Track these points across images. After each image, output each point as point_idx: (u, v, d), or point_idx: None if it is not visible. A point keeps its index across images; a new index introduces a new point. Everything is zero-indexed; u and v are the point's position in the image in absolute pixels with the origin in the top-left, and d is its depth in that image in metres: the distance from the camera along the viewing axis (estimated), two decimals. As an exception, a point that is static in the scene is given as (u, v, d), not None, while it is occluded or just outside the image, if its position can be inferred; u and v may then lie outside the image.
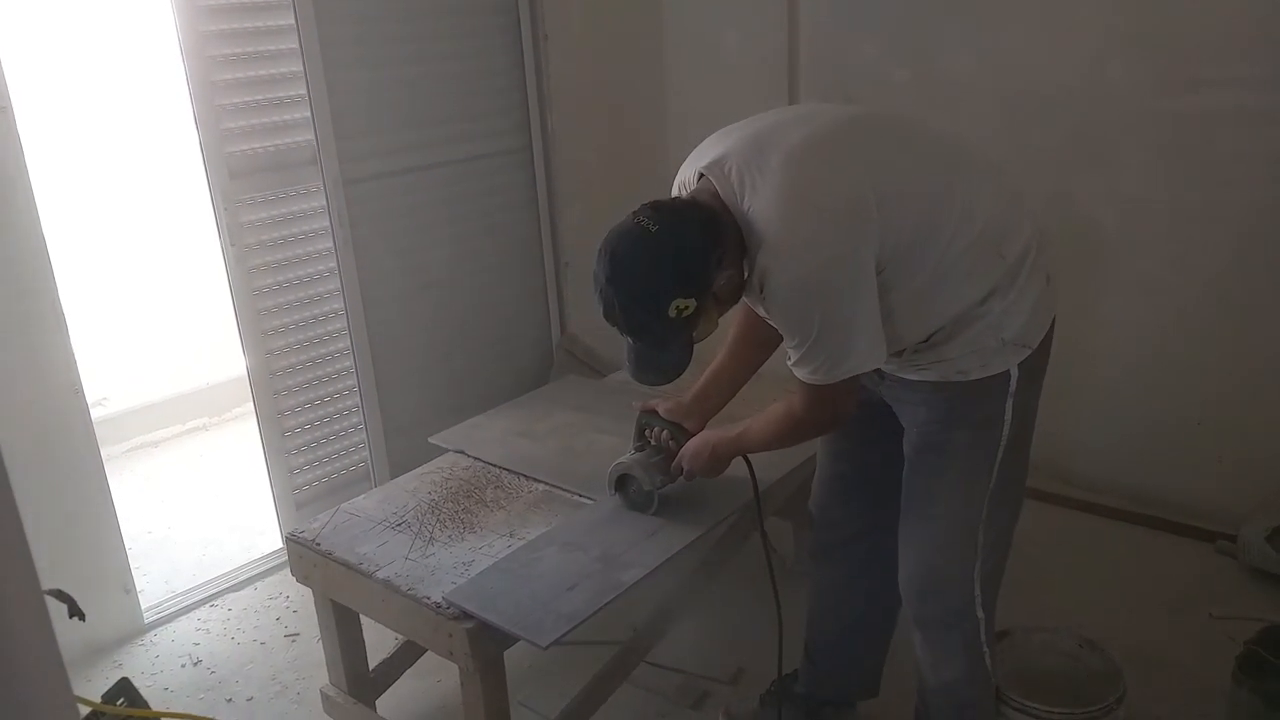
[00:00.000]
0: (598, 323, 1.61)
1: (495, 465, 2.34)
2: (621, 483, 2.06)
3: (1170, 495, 2.91)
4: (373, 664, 2.28)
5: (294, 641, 2.68)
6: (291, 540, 2.11)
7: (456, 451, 2.43)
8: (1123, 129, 2.78)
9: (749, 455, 1.91)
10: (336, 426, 3.08)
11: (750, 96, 3.39)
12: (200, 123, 2.68)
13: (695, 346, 1.63)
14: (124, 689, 1.93)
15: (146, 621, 2.77)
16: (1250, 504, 2.70)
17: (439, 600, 1.80)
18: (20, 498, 0.69)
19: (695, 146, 1.69)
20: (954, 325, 1.62)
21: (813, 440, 1.92)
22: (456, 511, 2.15)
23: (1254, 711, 1.94)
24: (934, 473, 1.74)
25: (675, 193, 1.69)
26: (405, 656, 2.34)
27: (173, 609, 2.84)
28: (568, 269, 3.59)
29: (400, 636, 2.26)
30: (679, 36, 3.60)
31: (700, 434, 1.96)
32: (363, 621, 2.17)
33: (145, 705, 1.93)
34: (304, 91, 2.79)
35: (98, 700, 1.82)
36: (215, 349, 4.06)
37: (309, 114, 2.81)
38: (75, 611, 1.58)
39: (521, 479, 2.28)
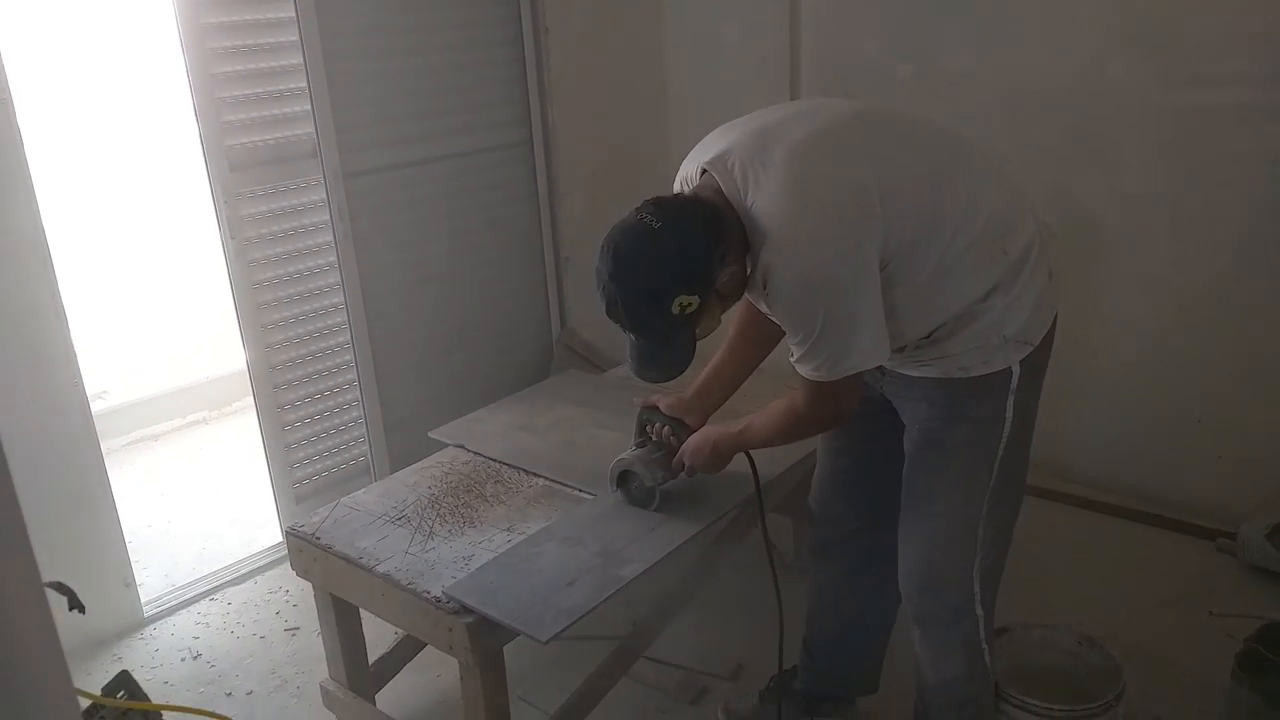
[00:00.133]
0: (598, 317, 1.61)
1: (495, 460, 2.34)
2: (623, 479, 2.05)
3: (1170, 493, 2.91)
4: (372, 658, 2.27)
5: (294, 635, 2.68)
6: (291, 534, 2.11)
7: (456, 446, 2.43)
8: (1123, 126, 2.77)
9: (751, 451, 1.91)
10: (336, 420, 3.08)
11: (751, 91, 3.38)
12: (200, 115, 2.67)
13: (698, 343, 1.63)
14: (124, 682, 1.92)
15: (146, 615, 2.77)
16: (1250, 502, 2.70)
17: (439, 595, 1.80)
18: (20, 490, 0.69)
19: (696, 141, 1.69)
20: (956, 322, 1.62)
21: (813, 436, 1.92)
22: (456, 506, 2.15)
23: (1253, 709, 1.94)
24: (934, 469, 1.74)
25: (678, 188, 1.68)
26: (405, 651, 2.34)
27: (172, 602, 2.84)
28: (568, 263, 3.59)
29: (400, 631, 2.26)
30: (680, 31, 3.59)
31: (701, 430, 1.96)
32: (362, 616, 2.17)
33: (145, 698, 1.92)
34: (304, 84, 2.79)
35: (97, 693, 1.82)
36: (215, 342, 4.06)
37: (309, 107, 2.80)
38: (75, 604, 1.58)
39: (521, 474, 2.27)
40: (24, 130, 2.37)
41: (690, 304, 1.52)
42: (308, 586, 2.28)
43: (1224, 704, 2.05)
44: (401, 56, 3.01)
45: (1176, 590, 2.60)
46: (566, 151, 3.47)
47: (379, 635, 2.30)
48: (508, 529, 2.04)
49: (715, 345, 1.91)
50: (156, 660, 2.61)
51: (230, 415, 4.25)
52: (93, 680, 2.43)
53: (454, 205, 3.25)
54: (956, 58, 3.01)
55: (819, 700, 2.16)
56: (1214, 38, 2.58)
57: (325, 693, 2.26)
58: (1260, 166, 2.59)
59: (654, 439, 2.03)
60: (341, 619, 2.16)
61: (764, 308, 1.63)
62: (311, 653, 2.53)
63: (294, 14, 2.73)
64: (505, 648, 1.83)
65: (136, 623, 2.74)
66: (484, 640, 1.77)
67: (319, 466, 3.06)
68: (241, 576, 2.97)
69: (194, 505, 3.48)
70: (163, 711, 2.16)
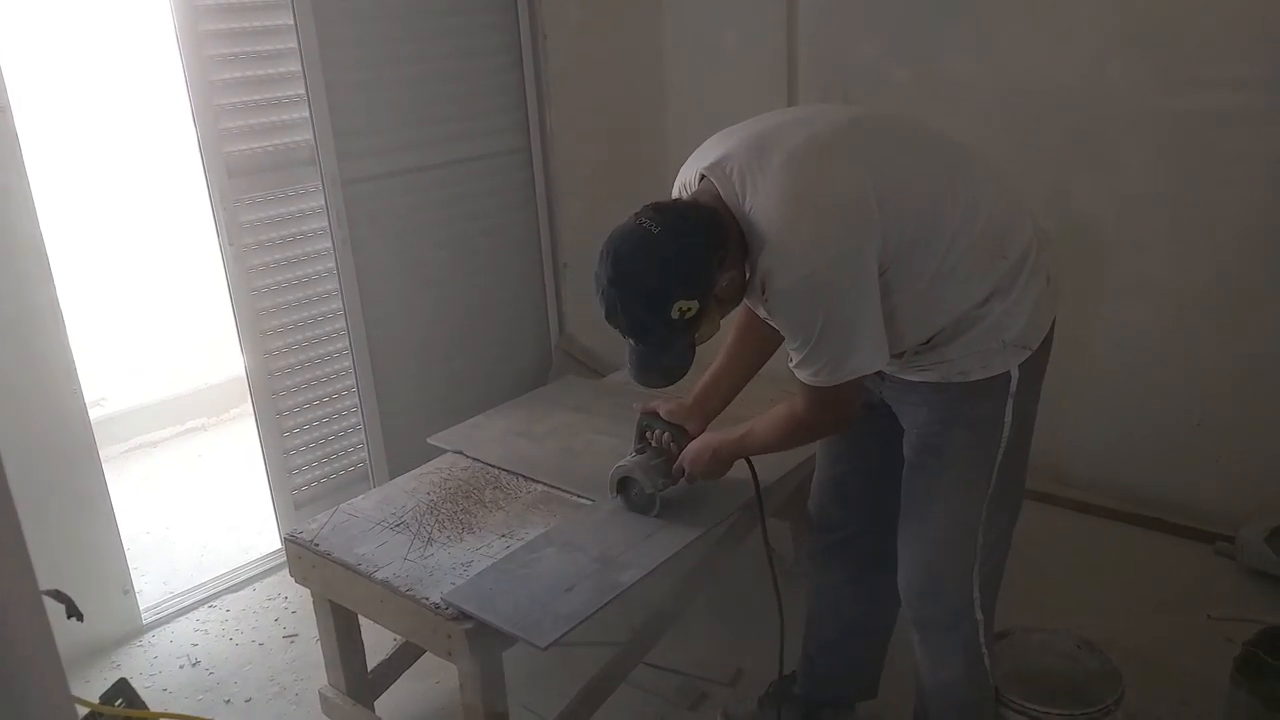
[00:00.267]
0: (596, 323, 1.61)
1: (494, 466, 2.34)
2: (623, 485, 2.05)
3: (1169, 496, 2.91)
4: (371, 665, 2.27)
5: (292, 642, 2.68)
6: (290, 541, 2.11)
7: (455, 452, 2.43)
8: (1123, 128, 2.78)
9: (751, 457, 1.91)
10: (335, 427, 3.08)
11: (750, 96, 3.38)
12: (199, 122, 2.67)
13: (697, 348, 1.63)
14: (122, 690, 1.92)
15: (145, 622, 2.77)
16: (1249, 505, 2.70)
17: (438, 601, 1.80)
18: (19, 498, 0.69)
19: (694, 146, 1.69)
20: (955, 326, 1.62)
21: (814, 442, 1.92)
22: (455, 512, 2.15)
23: (1252, 713, 1.93)
24: (934, 474, 1.74)
25: (676, 194, 1.69)
26: (404, 657, 2.33)
27: (171, 610, 2.84)
28: (566, 269, 3.59)
29: (399, 637, 2.26)
30: (678, 36, 3.60)
31: (701, 436, 1.96)
32: (361, 622, 2.17)
33: (143, 706, 1.92)
34: (303, 91, 2.79)
35: (96, 701, 1.82)
36: (214, 349, 4.05)
37: (308, 113, 2.81)
38: (73, 612, 1.58)
39: (520, 479, 2.27)
40: (23, 137, 2.37)
41: (690, 309, 1.52)
42: (306, 593, 2.28)
43: (1223, 707, 2.05)
44: (399, 63, 3.02)
45: (1175, 594, 2.60)
46: (565, 157, 3.48)
47: (378, 642, 2.30)
48: (506, 535, 2.04)
49: (714, 351, 1.91)
50: (155, 667, 2.61)
51: (229, 422, 4.25)
52: (91, 688, 2.43)
53: (452, 211, 3.25)
54: (955, 61, 3.01)
55: (818, 705, 2.15)
56: (1213, 40, 2.58)
57: (324, 699, 2.25)
58: (1259, 169, 2.59)
59: (653, 445, 2.03)
60: (340, 626, 2.15)
61: (763, 313, 1.63)
62: (310, 659, 2.53)
63: (292, 21, 2.73)
64: (504, 654, 1.82)
65: (135, 630, 2.74)
66: (483, 646, 1.76)
67: (317, 473, 3.05)
68: (240, 583, 2.97)
69: (193, 512, 3.48)
70: (161, 719, 2.17)
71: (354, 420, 3.10)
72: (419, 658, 2.35)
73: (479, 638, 1.75)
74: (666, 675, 2.38)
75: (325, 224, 2.91)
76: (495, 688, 1.82)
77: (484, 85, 3.27)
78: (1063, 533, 2.91)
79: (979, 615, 1.80)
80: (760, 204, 1.52)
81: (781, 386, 2.35)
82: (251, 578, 3.00)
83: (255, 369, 2.87)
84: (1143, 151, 2.77)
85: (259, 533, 3.21)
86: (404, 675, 2.36)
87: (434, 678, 2.42)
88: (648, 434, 2.04)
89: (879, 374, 1.72)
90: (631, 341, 1.60)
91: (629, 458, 2.04)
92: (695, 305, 1.52)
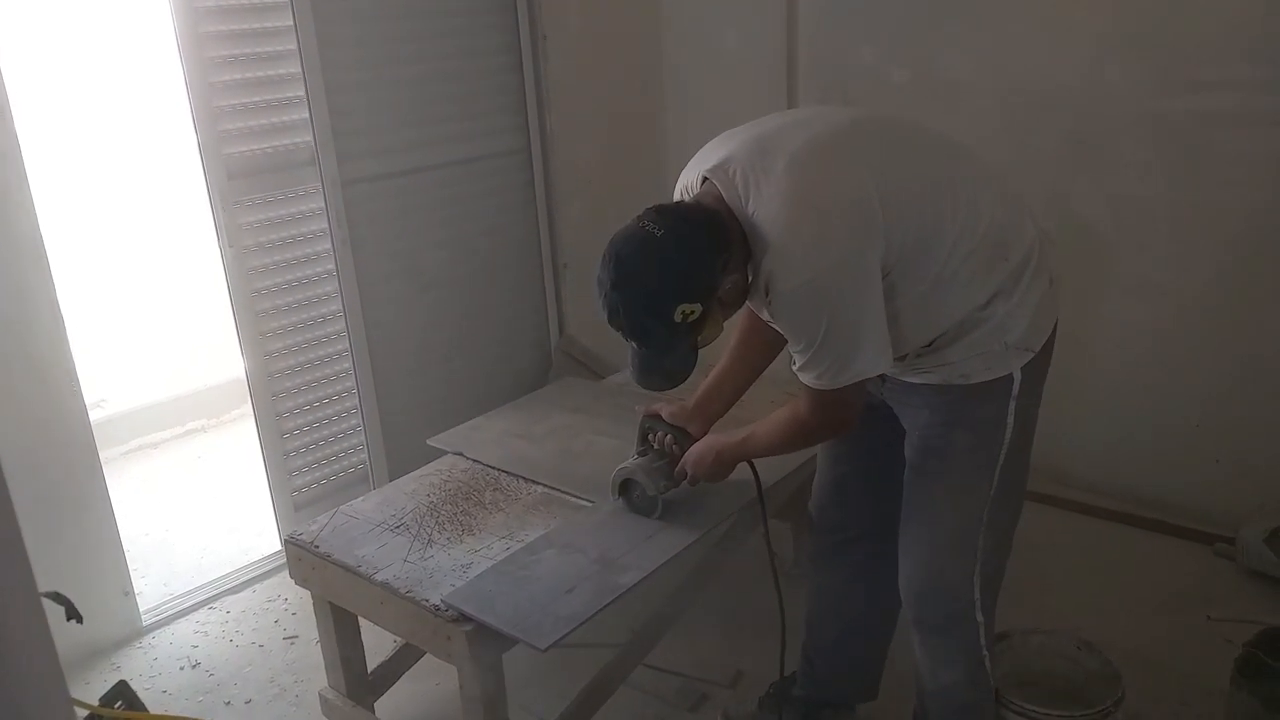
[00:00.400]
0: (596, 324, 1.61)
1: (494, 467, 2.34)
2: (625, 487, 2.05)
3: (1169, 497, 2.91)
4: (371, 667, 2.27)
5: (292, 644, 2.68)
6: (290, 543, 2.11)
7: (455, 453, 2.43)
8: (1122, 130, 2.78)
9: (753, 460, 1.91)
10: (335, 428, 3.08)
11: (749, 97, 3.39)
12: (198, 124, 2.67)
13: (699, 351, 1.63)
14: (122, 692, 1.92)
15: (145, 624, 2.77)
16: (1249, 506, 2.70)
17: (438, 603, 1.80)
18: (18, 499, 0.69)
19: (695, 148, 1.69)
20: (958, 329, 1.62)
21: (816, 444, 1.92)
22: (455, 514, 2.15)
23: (1252, 714, 1.93)
24: (935, 476, 1.74)
25: (678, 196, 1.68)
26: (404, 659, 2.33)
27: (171, 611, 2.84)
28: (566, 270, 3.59)
29: (399, 639, 2.26)
30: (678, 37, 3.60)
31: (704, 439, 1.96)
32: (361, 624, 2.17)
33: (143, 708, 1.92)
34: (302, 93, 2.79)
35: (95, 703, 1.81)
36: (213, 351, 4.05)
37: (307, 115, 2.81)
38: (73, 614, 1.58)
39: (520, 481, 2.27)
40: (22, 139, 2.37)
41: (692, 312, 1.52)
42: (306, 595, 2.28)
43: (1223, 709, 2.05)
44: (399, 64, 3.02)
45: (1175, 595, 2.60)
46: (564, 158, 3.48)
47: (378, 643, 2.30)
48: (506, 537, 2.04)
49: (717, 353, 1.91)
50: (155, 669, 2.61)
51: (229, 423, 4.25)
52: (91, 690, 2.42)
53: (452, 213, 3.25)
54: (953, 63, 3.01)
55: (818, 707, 2.15)
56: (1212, 41, 2.59)
57: (324, 701, 2.25)
58: (1258, 170, 2.60)
59: (656, 447, 2.03)
60: (340, 627, 2.15)
61: (766, 316, 1.63)
62: (310, 661, 2.53)
63: (292, 23, 2.73)
64: (504, 655, 1.82)
65: (135, 632, 2.74)
66: (483, 648, 1.76)
67: (317, 474, 3.05)
68: (240, 585, 2.97)
69: (192, 514, 3.48)
70: (161, 721, 2.16)
71: (354, 422, 3.10)
72: (419, 659, 2.34)
73: (479, 639, 1.75)
74: (666, 677, 2.38)
75: (325, 225, 2.91)
76: (495, 689, 1.82)
77: (484, 86, 3.27)
78: (1063, 534, 2.91)
79: (979, 617, 1.80)
80: (763, 206, 1.52)
81: (784, 389, 2.36)
82: (251, 579, 3.00)
83: (255, 370, 2.87)
84: (1142, 152, 2.77)
85: (259, 534, 3.21)
86: (404, 677, 2.35)
87: (434, 679, 2.42)
88: (650, 436, 2.04)
89: (880, 376, 1.72)
90: (634, 344, 1.60)
91: (631, 460, 2.04)
92: (698, 308, 1.52)
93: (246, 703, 2.45)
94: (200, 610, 2.86)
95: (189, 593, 2.93)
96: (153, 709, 2.32)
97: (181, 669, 2.60)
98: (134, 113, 3.91)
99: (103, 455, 2.69)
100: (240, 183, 2.76)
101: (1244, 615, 2.43)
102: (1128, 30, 2.71)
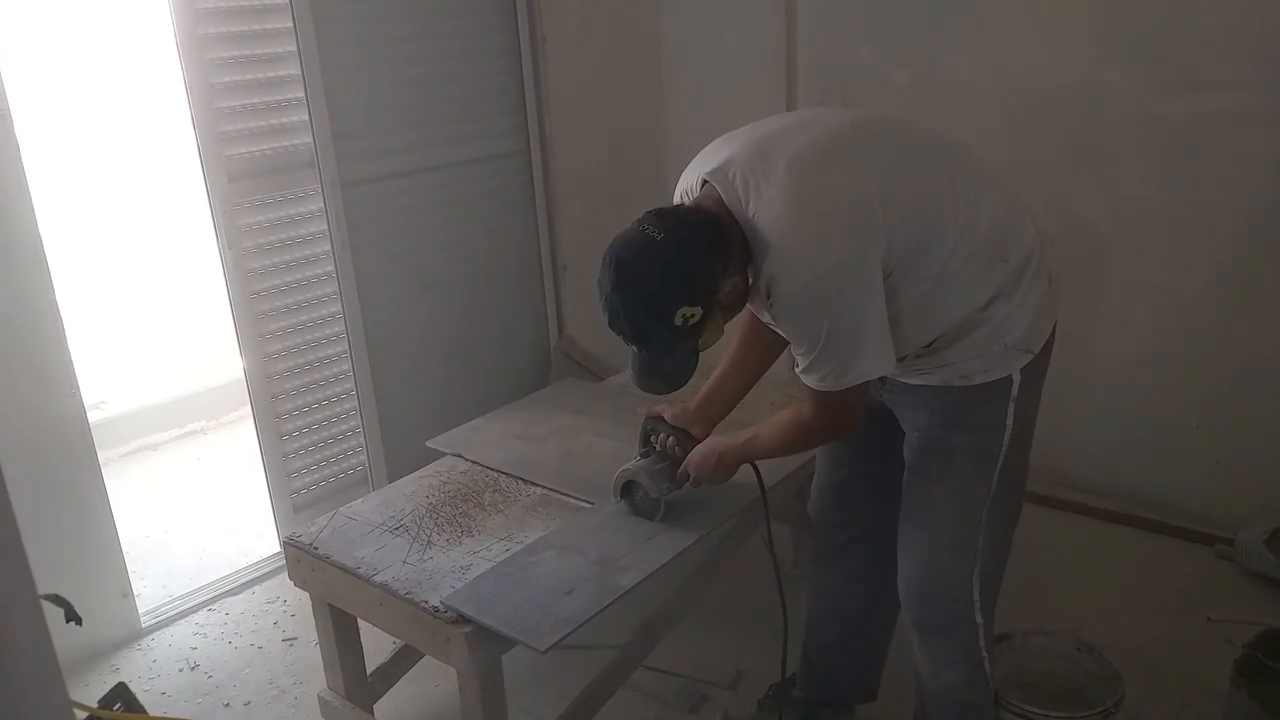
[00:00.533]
0: (596, 326, 1.61)
1: (493, 469, 2.34)
2: (627, 490, 2.05)
3: (1168, 499, 2.91)
4: (370, 668, 2.27)
5: (291, 646, 2.67)
6: (289, 544, 2.11)
7: (454, 455, 2.42)
8: (1121, 130, 2.78)
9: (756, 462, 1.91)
10: (334, 430, 3.08)
11: (749, 99, 3.39)
12: (198, 126, 2.67)
13: (700, 354, 1.63)
14: (121, 694, 1.92)
15: (144, 626, 2.76)
16: (1248, 507, 2.70)
17: (437, 604, 1.79)
18: (17, 501, 0.69)
19: (695, 149, 1.69)
20: (958, 330, 1.62)
21: (819, 446, 1.92)
22: (454, 515, 2.14)
23: (1252, 715, 1.93)
24: (934, 477, 1.74)
25: (678, 199, 1.68)
26: (403, 661, 2.33)
27: (170, 613, 2.83)
28: (566, 272, 3.59)
29: (398, 641, 2.26)
30: (678, 39, 3.60)
31: (707, 441, 1.95)
32: (360, 626, 2.16)
33: (142, 710, 1.92)
34: (302, 94, 2.79)
35: (94, 705, 1.82)
36: (213, 352, 4.05)
37: (307, 117, 2.80)
38: (72, 616, 1.58)
39: (519, 482, 2.27)
40: (22, 141, 2.37)
41: (693, 315, 1.52)
42: (305, 597, 2.27)
43: (1223, 710, 2.05)
44: (399, 66, 3.02)
45: (1175, 596, 2.60)
46: (564, 160, 3.47)
47: (377, 645, 2.30)
48: (506, 538, 2.04)
49: (718, 355, 1.91)
50: (154, 671, 2.60)
51: (228, 425, 4.25)
52: (90, 692, 2.42)
53: (452, 214, 3.25)
54: (953, 64, 3.02)
55: (818, 708, 2.15)
56: (1211, 42, 2.59)
57: (323, 703, 2.25)
58: (1258, 171, 2.60)
59: (658, 449, 2.03)
60: (339, 629, 2.15)
61: (767, 318, 1.63)
62: (309, 663, 2.52)
63: (291, 24, 2.73)
64: (504, 657, 1.82)
65: (134, 633, 2.73)
66: (482, 650, 1.76)
67: (317, 476, 3.05)
68: (239, 587, 2.97)
69: (192, 515, 3.48)
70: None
71: (353, 423, 3.10)
72: (418, 661, 2.34)
73: (478, 641, 1.75)
74: (666, 678, 2.38)
75: (324, 227, 2.91)
76: (494, 691, 1.81)
77: (484, 87, 3.27)
78: (1062, 535, 2.91)
79: (979, 618, 1.80)
80: (763, 209, 1.52)
81: (785, 391, 2.36)
82: (251, 581, 2.99)
83: (254, 372, 2.87)
84: (1142, 152, 2.77)
85: (258, 536, 3.20)
86: (403, 679, 2.35)
87: (433, 681, 2.41)
88: (652, 438, 2.03)
89: (880, 377, 1.72)
90: (635, 348, 1.60)
91: (633, 462, 2.04)
92: (698, 311, 1.52)
93: (245, 705, 2.45)
94: (199, 612, 2.86)
95: (188, 594, 2.93)
96: (152, 711, 2.32)
97: (180, 671, 2.60)
98: (134, 115, 3.91)
99: (102, 457, 2.69)
100: (240, 184, 2.76)
101: (1244, 616, 2.43)
102: (1127, 31, 2.71)
